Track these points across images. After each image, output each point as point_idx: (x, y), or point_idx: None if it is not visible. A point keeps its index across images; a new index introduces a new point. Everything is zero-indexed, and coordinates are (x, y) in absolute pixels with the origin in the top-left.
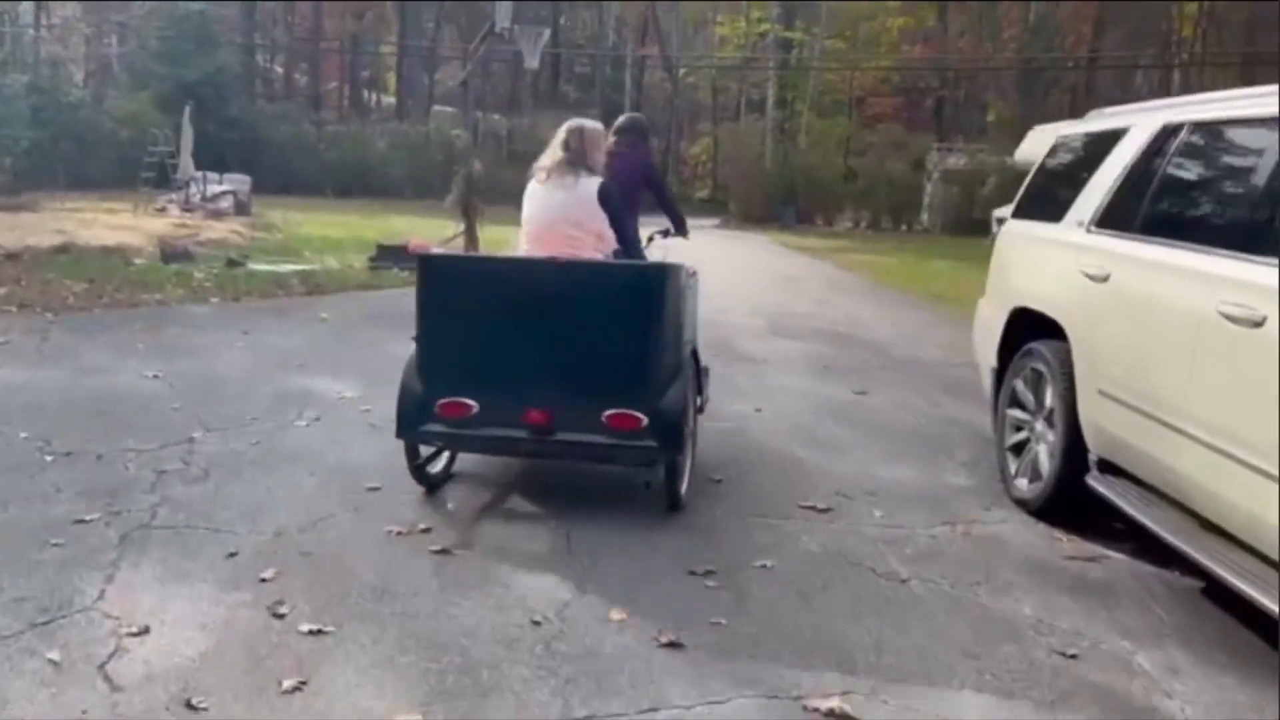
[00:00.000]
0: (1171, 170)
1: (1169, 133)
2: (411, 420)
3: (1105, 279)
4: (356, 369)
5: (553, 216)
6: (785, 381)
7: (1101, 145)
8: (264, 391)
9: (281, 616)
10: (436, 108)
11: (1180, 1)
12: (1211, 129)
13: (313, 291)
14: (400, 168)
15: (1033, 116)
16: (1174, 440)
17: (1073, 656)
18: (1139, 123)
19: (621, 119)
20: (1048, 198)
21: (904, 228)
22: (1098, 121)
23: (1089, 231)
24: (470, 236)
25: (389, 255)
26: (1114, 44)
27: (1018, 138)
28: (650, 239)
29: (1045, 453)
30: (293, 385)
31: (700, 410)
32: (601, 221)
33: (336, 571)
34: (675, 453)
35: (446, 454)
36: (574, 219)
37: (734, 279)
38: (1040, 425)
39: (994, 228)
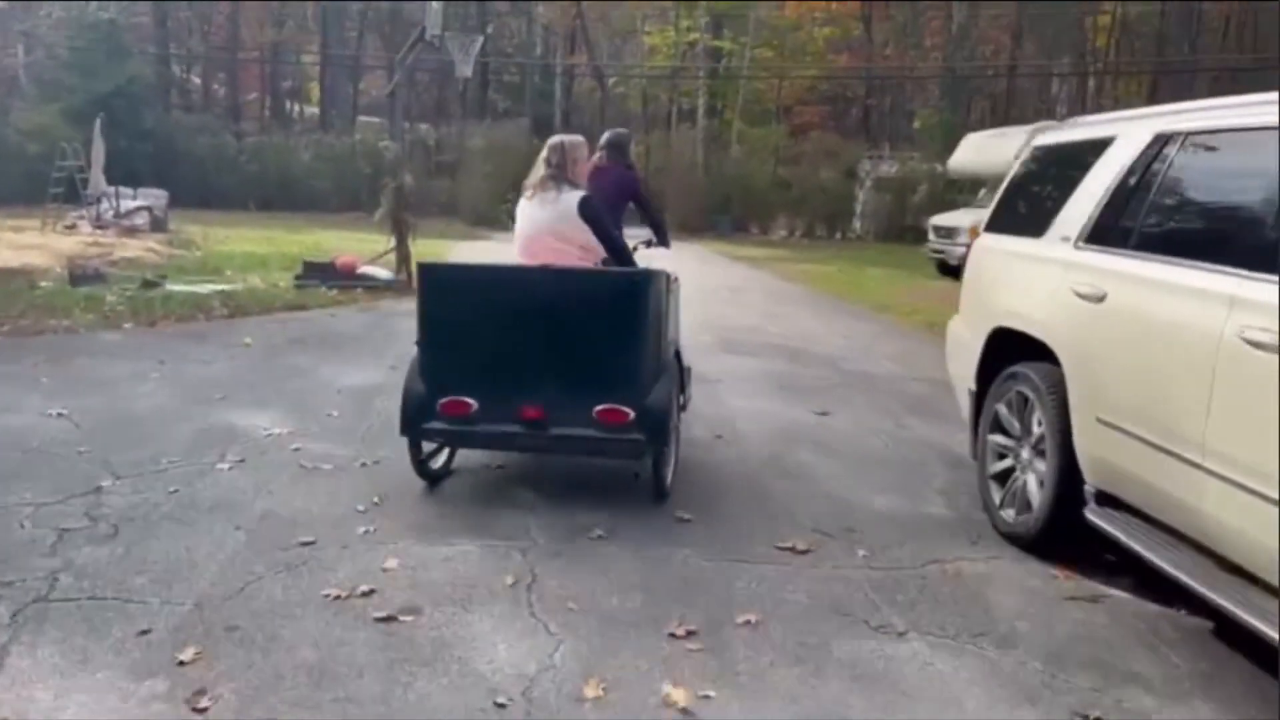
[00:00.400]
0: (1170, 183)
1: (1162, 143)
2: (415, 419)
3: (1101, 299)
4: (285, 400)
5: (539, 230)
6: (743, 404)
7: (1083, 156)
8: (182, 430)
9: (203, 711)
10: (362, 118)
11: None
12: (1211, 139)
13: (235, 314)
14: (326, 180)
15: (957, 124)
16: (1187, 473)
17: None
18: (1125, 132)
19: (606, 135)
20: (1026, 211)
21: (838, 235)
22: (1075, 131)
23: (1077, 248)
24: (401, 252)
25: (316, 272)
26: (1031, 53)
27: (944, 145)
28: (634, 249)
29: (1034, 482)
30: (214, 421)
31: (683, 408)
32: (585, 233)
33: (267, 649)
34: (661, 445)
35: (446, 451)
36: (558, 231)
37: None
38: (1027, 453)
39: (930, 236)
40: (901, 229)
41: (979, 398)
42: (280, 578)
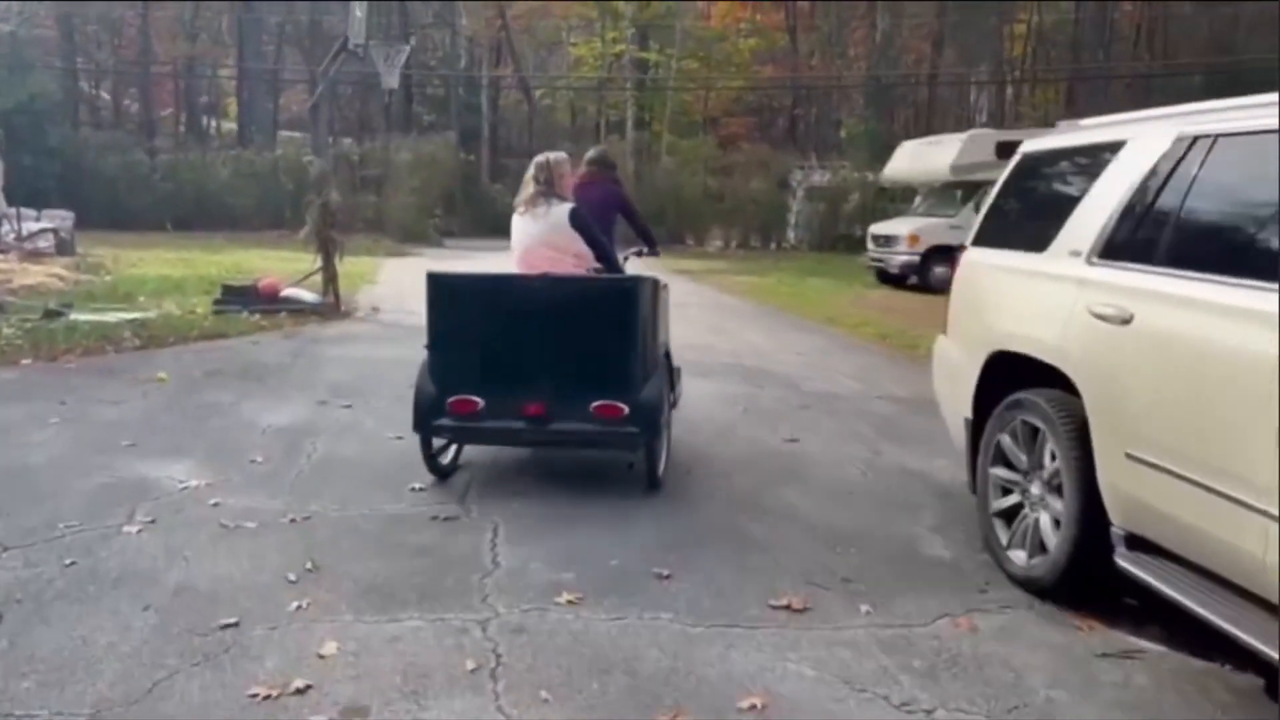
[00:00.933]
0: (1203, 190)
1: (1186, 146)
2: (426, 417)
3: (1126, 321)
4: (203, 445)
5: (534, 241)
6: (709, 432)
7: (1087, 162)
8: (83, 485)
9: None
10: (283, 133)
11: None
12: (1249, 142)
13: (148, 344)
14: (246, 197)
15: (882, 132)
16: (1237, 514)
17: None
18: (1138, 135)
19: (591, 153)
20: (1020, 224)
21: (773, 245)
22: (1074, 135)
23: (1091, 263)
24: (328, 272)
25: (237, 297)
26: (951, 61)
27: (872, 153)
28: (626, 258)
29: (1048, 522)
30: (121, 473)
31: (673, 405)
32: (576, 241)
33: None
34: (653, 437)
35: (454, 446)
36: (550, 241)
37: None
38: (1038, 489)
39: (868, 245)
40: (835, 238)
41: (976, 426)
42: (197, 672)
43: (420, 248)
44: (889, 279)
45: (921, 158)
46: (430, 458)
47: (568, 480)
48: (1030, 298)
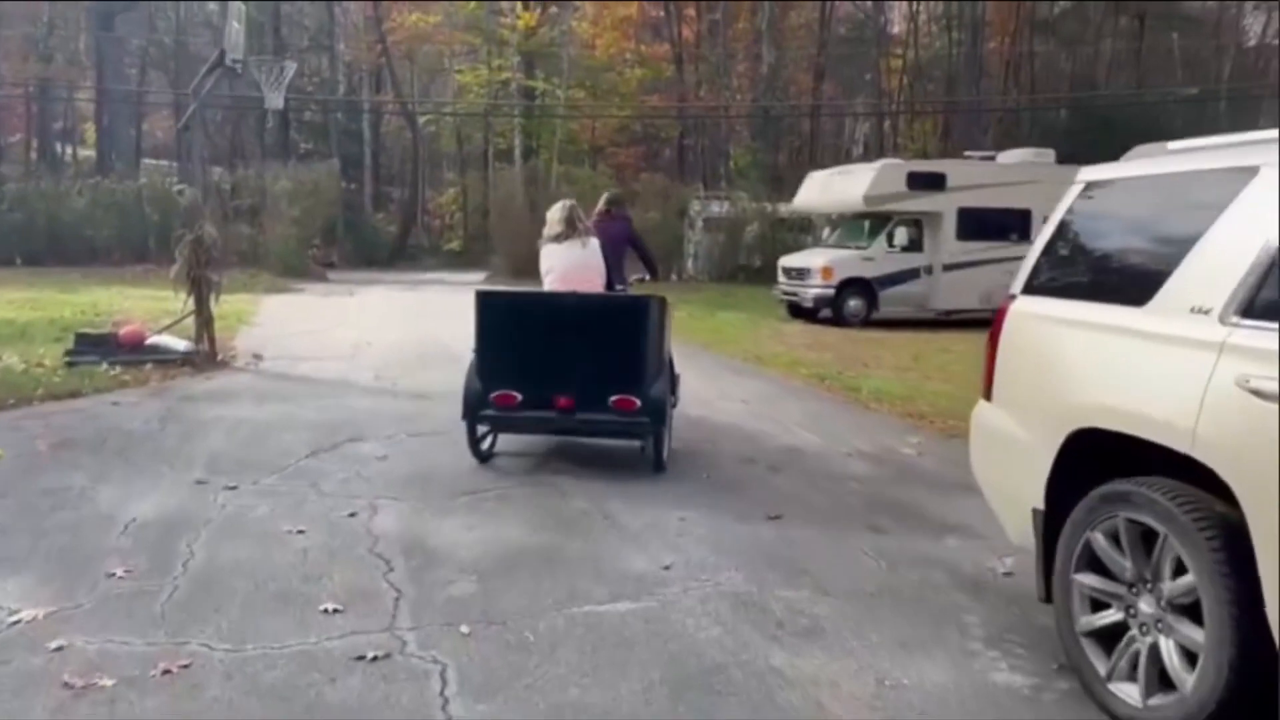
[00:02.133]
0: None
1: None
2: (475, 407)
3: None
4: (44, 552)
5: (571, 265)
6: (676, 511)
7: (1195, 195)
8: None
9: None
10: (148, 161)
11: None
12: None
13: None
14: (106, 229)
15: (770, 163)
16: None
17: None
18: (1275, 161)
19: (606, 196)
20: (1097, 269)
21: (673, 277)
22: (1165, 163)
23: (1230, 323)
24: (202, 316)
25: (93, 346)
26: (830, 94)
27: (762, 185)
28: (631, 282)
29: (1174, 651)
30: None
31: (673, 405)
32: (601, 266)
33: None
34: (660, 426)
35: (491, 436)
36: (586, 264)
37: None
38: (1151, 606)
39: (780, 278)
40: (735, 269)
41: (1051, 520)
42: None
43: (301, 282)
44: (801, 312)
45: (832, 188)
46: (474, 444)
47: (520, 584)
48: (1134, 364)
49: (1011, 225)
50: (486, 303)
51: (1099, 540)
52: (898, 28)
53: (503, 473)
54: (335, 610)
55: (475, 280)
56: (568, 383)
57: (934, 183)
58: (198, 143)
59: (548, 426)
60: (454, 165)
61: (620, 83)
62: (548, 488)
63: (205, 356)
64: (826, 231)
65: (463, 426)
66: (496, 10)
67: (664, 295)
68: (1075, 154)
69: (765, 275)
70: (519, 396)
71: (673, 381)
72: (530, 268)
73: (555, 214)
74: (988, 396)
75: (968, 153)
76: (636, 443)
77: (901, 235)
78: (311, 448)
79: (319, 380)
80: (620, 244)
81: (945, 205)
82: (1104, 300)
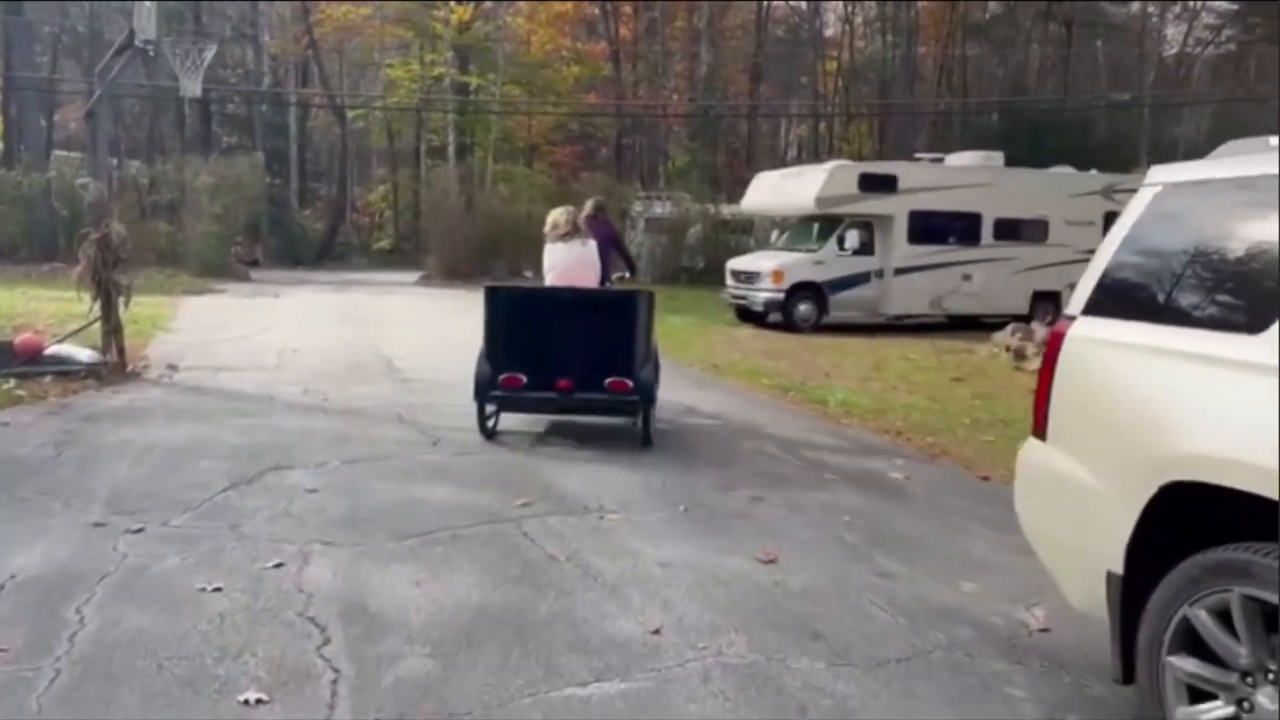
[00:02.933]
0: None
1: None
2: (485, 389)
3: None
4: None
5: (571, 263)
6: (653, 551)
7: None
8: None
9: None
10: (59, 153)
11: (823, 60)
12: None
13: None
14: (11, 224)
15: (708, 164)
16: None
17: None
18: None
19: (593, 201)
20: (1194, 288)
21: (613, 278)
22: (1269, 161)
23: None
24: (110, 323)
25: None
26: (767, 95)
27: (704, 184)
28: (615, 279)
29: None
30: None
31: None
32: (597, 266)
33: None
34: (650, 405)
35: (496, 416)
36: (585, 261)
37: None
38: (1273, 701)
39: (729, 281)
40: (678, 270)
41: (1132, 588)
42: None
43: (223, 282)
44: (749, 316)
45: (782, 190)
46: (483, 422)
47: (484, 659)
48: (1249, 404)
49: (962, 229)
50: (495, 296)
51: (1202, 618)
52: (833, 30)
53: (453, 508)
54: (259, 701)
55: (407, 281)
56: (568, 367)
57: (886, 185)
58: (104, 132)
59: (550, 406)
60: (384, 162)
61: (556, 80)
62: (507, 525)
63: (113, 368)
64: (775, 234)
65: (404, 451)
66: (429, 4)
67: (651, 290)
68: (1009, 159)
69: (709, 277)
70: (524, 379)
71: (657, 368)
72: (466, 268)
73: (560, 217)
74: (1040, 434)
75: (917, 154)
76: (622, 421)
77: (853, 238)
78: (231, 478)
79: (241, 395)
80: (606, 244)
81: (897, 208)
82: (1201, 326)
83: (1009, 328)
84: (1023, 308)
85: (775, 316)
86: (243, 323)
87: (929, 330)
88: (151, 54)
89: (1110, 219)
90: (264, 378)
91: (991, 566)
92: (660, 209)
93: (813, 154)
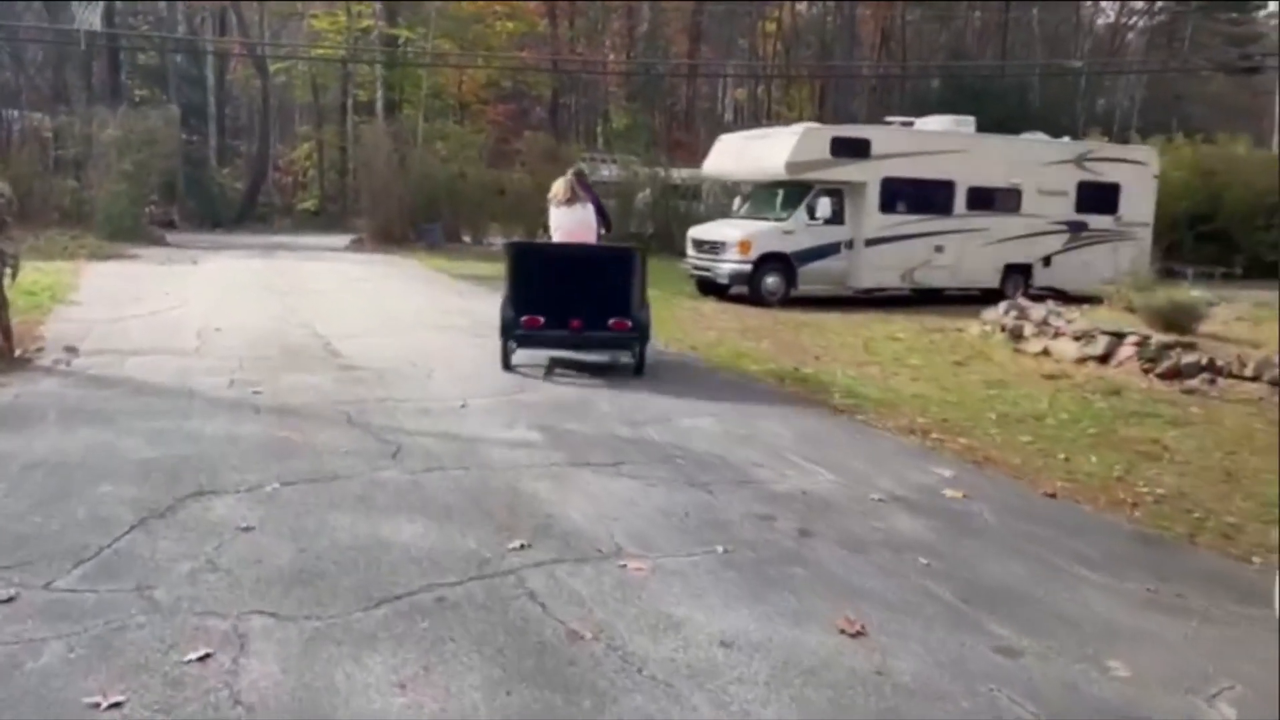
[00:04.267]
0: None
1: None
2: (510, 328)
3: None
4: None
5: (575, 224)
6: (704, 621)
7: None
8: None
9: None
10: None
11: (763, 20)
12: None
13: None
14: None
15: (648, 125)
16: None
17: None
18: None
19: (575, 169)
20: None
21: None
22: None
23: None
24: None
25: None
26: (709, 56)
27: (646, 147)
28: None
29: None
30: None
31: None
32: (594, 226)
33: None
34: (644, 341)
35: (517, 353)
36: (584, 222)
37: (429, 345)
38: None
39: (689, 250)
40: (626, 237)
41: None
42: None
43: (135, 246)
44: (711, 289)
45: (748, 154)
46: (506, 357)
47: None
48: None
49: (934, 198)
50: (516, 250)
51: None
52: None
53: (431, 553)
54: None
55: (337, 245)
56: (578, 309)
57: (858, 149)
58: None
59: (563, 341)
60: (308, 118)
61: (489, 35)
62: (504, 580)
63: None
64: (737, 202)
65: (358, 467)
66: None
67: (645, 246)
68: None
69: (660, 245)
70: (543, 319)
71: (648, 310)
72: (401, 231)
73: (560, 186)
74: None
75: (888, 118)
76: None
77: (824, 207)
78: (139, 510)
79: (154, 388)
80: (601, 208)
81: (870, 174)
82: None
83: (1002, 305)
84: (993, 281)
85: (739, 289)
86: (157, 294)
87: (897, 305)
88: None
89: (1083, 189)
90: (182, 364)
91: (1133, 634)
92: (606, 172)
93: (752, 118)
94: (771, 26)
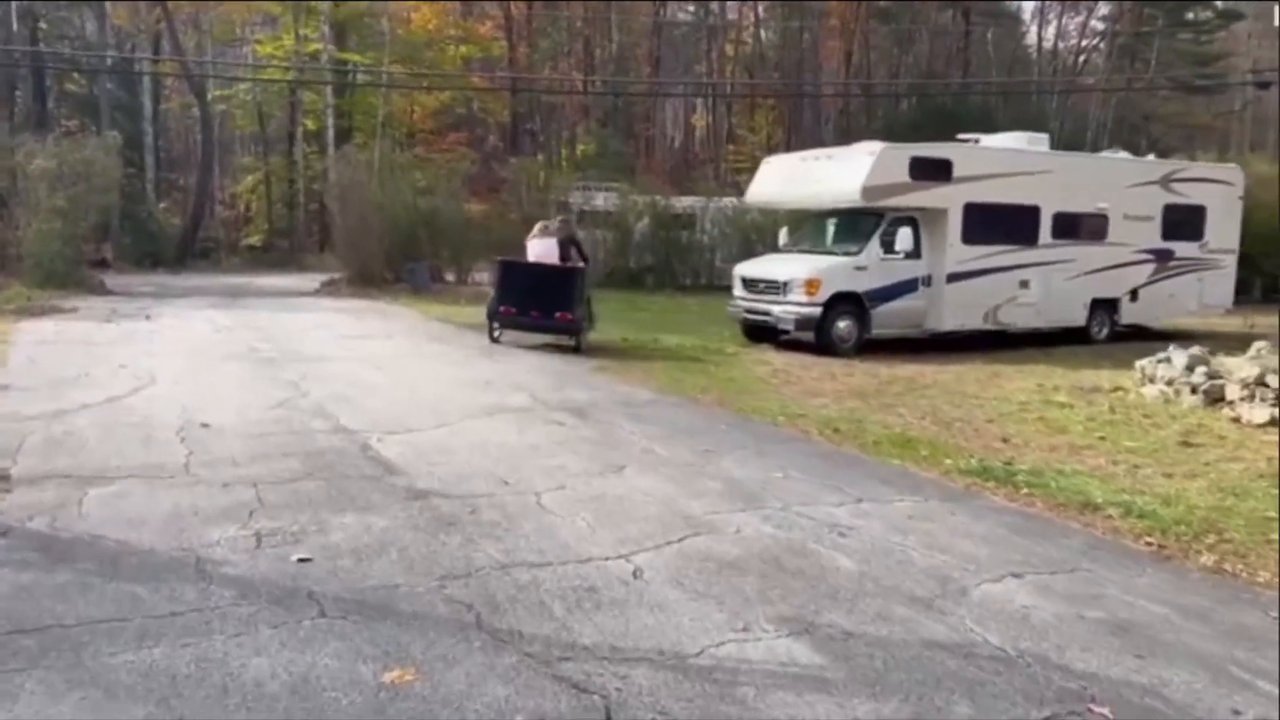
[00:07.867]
0: None
1: None
2: (492, 314)
3: None
4: None
5: (542, 251)
6: None
7: None
8: None
9: None
10: None
11: (726, 44)
12: None
13: None
14: None
15: (620, 151)
16: None
17: None
18: None
19: (560, 218)
20: None
21: None
22: None
23: None
24: None
25: None
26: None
27: (620, 172)
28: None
29: None
30: None
31: (592, 326)
32: (556, 252)
33: None
34: (580, 331)
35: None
36: (549, 249)
37: (501, 441)
38: None
39: (737, 290)
40: (627, 272)
41: None
42: None
43: (71, 296)
44: (761, 334)
45: (806, 178)
46: (491, 333)
47: None
48: None
49: (1019, 226)
50: (503, 264)
51: None
52: (734, 14)
53: None
54: None
55: (306, 289)
56: (537, 305)
57: (939, 172)
58: None
59: (527, 326)
60: (251, 148)
61: (443, 59)
62: None
63: None
64: (784, 232)
65: None
66: None
67: (584, 267)
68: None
69: (657, 280)
70: (515, 309)
71: (591, 310)
72: (379, 272)
73: (538, 226)
74: None
75: (961, 135)
76: None
77: (904, 238)
78: None
79: (136, 559)
80: (565, 243)
81: (951, 200)
82: None
83: (1160, 355)
84: (1079, 319)
85: (801, 335)
86: (110, 368)
87: (974, 349)
88: None
89: (1169, 212)
90: (170, 499)
91: None
92: (602, 200)
93: (715, 142)
94: (731, 50)
